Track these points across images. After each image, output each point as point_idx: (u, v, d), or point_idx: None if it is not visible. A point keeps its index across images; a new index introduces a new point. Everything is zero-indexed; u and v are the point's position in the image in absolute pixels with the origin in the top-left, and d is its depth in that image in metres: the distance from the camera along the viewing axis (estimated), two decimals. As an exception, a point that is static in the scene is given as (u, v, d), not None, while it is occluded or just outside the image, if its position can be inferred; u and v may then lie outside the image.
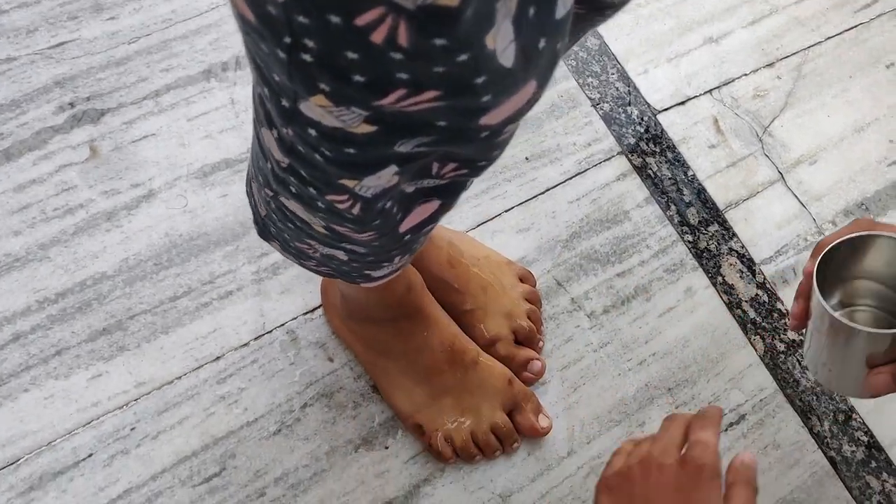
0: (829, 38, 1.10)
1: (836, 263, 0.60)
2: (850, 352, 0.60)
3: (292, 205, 0.50)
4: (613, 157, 0.97)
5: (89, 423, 0.77)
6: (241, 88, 0.94)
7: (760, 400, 0.87)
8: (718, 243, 0.94)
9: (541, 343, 0.85)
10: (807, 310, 0.61)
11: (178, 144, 0.90)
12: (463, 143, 0.43)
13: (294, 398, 0.81)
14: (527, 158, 0.95)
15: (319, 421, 0.80)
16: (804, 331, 0.63)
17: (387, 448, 0.80)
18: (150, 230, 0.86)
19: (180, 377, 0.80)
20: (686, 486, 0.53)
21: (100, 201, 0.86)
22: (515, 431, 0.80)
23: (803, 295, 0.61)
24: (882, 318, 0.66)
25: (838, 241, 0.58)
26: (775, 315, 0.91)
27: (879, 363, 0.59)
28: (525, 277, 0.87)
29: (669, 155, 0.98)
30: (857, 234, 0.58)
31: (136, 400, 0.79)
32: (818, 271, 0.58)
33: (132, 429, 0.77)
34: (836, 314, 0.56)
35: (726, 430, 0.85)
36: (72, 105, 0.91)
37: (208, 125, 0.92)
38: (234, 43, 0.96)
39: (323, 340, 0.83)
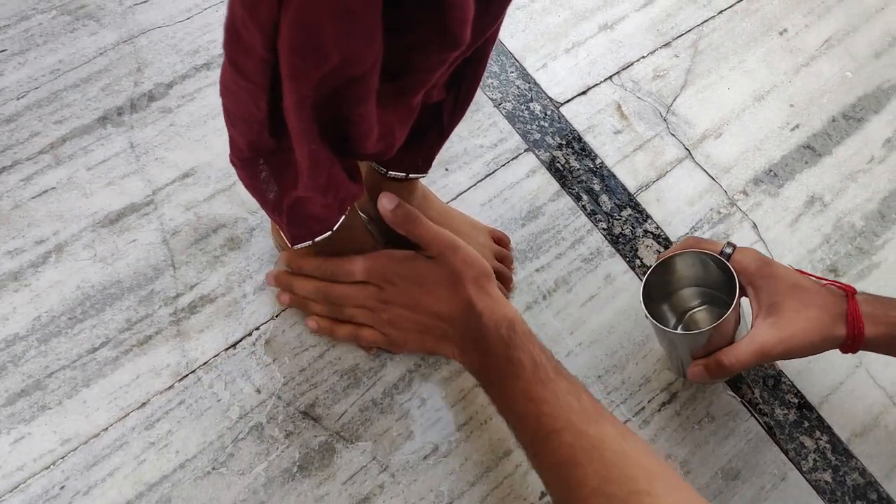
0: (721, 11, 1.12)
1: (657, 283, 0.79)
2: (675, 349, 0.79)
3: None
4: (520, 154, 0.98)
5: (16, 487, 0.76)
6: (139, 132, 0.93)
7: (688, 376, 0.88)
8: (633, 227, 0.95)
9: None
10: None
11: (80, 195, 0.89)
12: None
13: (225, 434, 0.80)
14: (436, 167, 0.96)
15: (253, 454, 0.80)
16: None
17: (324, 471, 0.80)
18: (60, 285, 0.84)
19: (106, 428, 0.79)
20: None
21: (4, 262, 0.85)
22: None
23: None
24: (717, 313, 0.81)
25: (654, 264, 0.79)
26: (695, 290, 0.92)
27: (700, 356, 0.76)
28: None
29: (576, 146, 0.99)
30: (662, 258, 0.80)
31: (62, 458, 0.78)
32: (644, 293, 0.77)
33: (62, 487, 0.76)
34: (655, 321, 0.75)
35: (659, 409, 0.86)
36: (-32, 167, 0.90)
37: (109, 172, 0.90)
38: (126, 86, 0.95)
39: (248, 373, 0.83)
